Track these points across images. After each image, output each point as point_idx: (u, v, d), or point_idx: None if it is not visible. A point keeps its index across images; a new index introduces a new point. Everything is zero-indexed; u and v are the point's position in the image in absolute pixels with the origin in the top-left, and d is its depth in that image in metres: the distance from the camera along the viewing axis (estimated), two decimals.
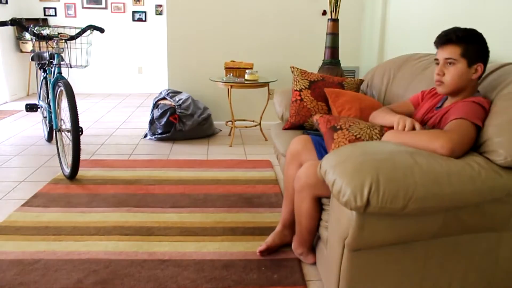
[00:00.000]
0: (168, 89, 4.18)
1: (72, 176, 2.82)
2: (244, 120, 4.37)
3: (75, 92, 2.78)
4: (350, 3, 4.27)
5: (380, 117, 1.84)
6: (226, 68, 3.90)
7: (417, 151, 1.41)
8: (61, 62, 2.97)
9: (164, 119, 3.82)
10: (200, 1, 4.21)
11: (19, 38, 6.01)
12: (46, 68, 3.14)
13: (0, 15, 5.55)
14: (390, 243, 1.42)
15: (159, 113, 3.85)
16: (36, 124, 4.43)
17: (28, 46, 5.96)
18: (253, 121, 4.31)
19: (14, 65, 5.96)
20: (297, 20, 4.33)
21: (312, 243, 1.87)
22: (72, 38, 2.93)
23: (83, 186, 2.75)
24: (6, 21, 2.66)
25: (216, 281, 1.75)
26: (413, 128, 1.59)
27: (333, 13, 3.73)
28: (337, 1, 3.69)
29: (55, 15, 6.38)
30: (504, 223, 1.48)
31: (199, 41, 4.30)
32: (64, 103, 2.83)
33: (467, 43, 1.57)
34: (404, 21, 3.37)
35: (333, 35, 3.77)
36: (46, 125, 3.69)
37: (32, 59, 3.49)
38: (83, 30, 2.97)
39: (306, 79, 2.55)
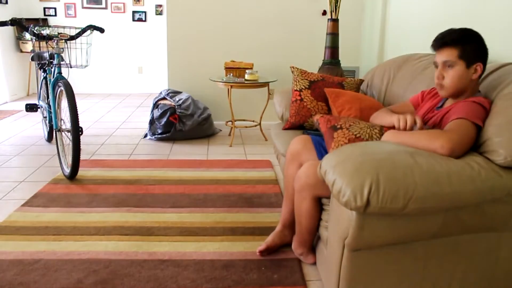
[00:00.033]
0: (168, 89, 4.18)
1: (72, 176, 2.82)
2: (244, 120, 4.37)
3: (75, 92, 2.78)
4: (350, 3, 4.27)
5: (380, 117, 1.84)
6: (226, 68, 3.90)
7: (417, 151, 1.41)
8: (61, 62, 2.98)
9: (164, 119, 3.82)
10: (200, 1, 4.21)
11: (19, 38, 6.01)
12: (46, 68, 3.14)
13: (0, 15, 5.55)
14: (390, 243, 1.42)
15: (159, 113, 3.85)
16: (36, 124, 4.43)
17: (28, 46, 5.97)
18: (253, 121, 4.31)
19: (14, 65, 5.96)
20: (297, 20, 4.33)
21: (312, 243, 1.87)
22: (72, 38, 2.93)
23: (83, 186, 2.75)
24: (6, 21, 2.66)
25: (216, 281, 1.75)
26: (415, 123, 1.59)
27: (333, 13, 3.73)
28: (337, 1, 3.69)
29: (55, 15, 6.38)
30: (504, 223, 1.48)
31: (199, 41, 4.30)
32: (64, 103, 2.83)
33: (464, 44, 1.57)
34: (404, 21, 3.37)
35: (333, 35, 3.77)
36: (46, 125, 3.69)
37: (32, 59, 3.49)
38: (83, 30, 2.97)
39: (306, 79, 2.55)
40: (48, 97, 3.19)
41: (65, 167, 2.90)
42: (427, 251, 1.47)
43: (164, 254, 1.95)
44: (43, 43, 3.06)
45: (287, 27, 4.34)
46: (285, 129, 2.55)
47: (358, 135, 1.71)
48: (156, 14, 6.56)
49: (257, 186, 2.80)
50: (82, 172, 2.94)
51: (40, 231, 2.15)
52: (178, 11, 4.21)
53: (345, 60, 4.16)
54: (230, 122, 4.01)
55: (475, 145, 1.50)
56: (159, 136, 3.88)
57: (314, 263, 1.87)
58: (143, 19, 6.55)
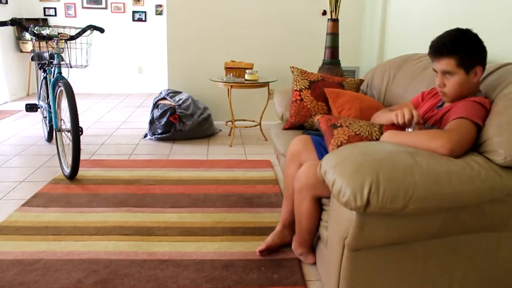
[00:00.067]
0: (168, 89, 4.18)
1: (72, 176, 2.82)
2: (244, 120, 4.37)
3: (75, 92, 2.78)
4: (350, 3, 4.27)
5: (380, 117, 1.84)
6: (226, 68, 3.90)
7: (417, 151, 1.41)
8: (61, 62, 2.98)
9: (164, 119, 3.82)
10: (200, 1, 4.21)
11: (19, 38, 6.01)
12: (46, 68, 3.14)
13: (0, 15, 5.55)
14: (390, 243, 1.42)
15: (159, 113, 3.85)
16: (36, 124, 4.43)
17: (28, 46, 5.97)
18: (253, 121, 4.31)
19: (14, 65, 5.96)
20: (297, 20, 4.33)
21: (312, 243, 1.87)
22: (72, 38, 2.93)
23: (83, 186, 2.75)
24: (6, 21, 2.66)
25: (216, 281, 1.75)
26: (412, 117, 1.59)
27: (333, 13, 3.73)
28: (337, 1, 3.69)
29: (55, 15, 6.38)
30: (504, 223, 1.48)
31: (199, 41, 4.30)
32: (64, 103, 2.83)
33: (460, 52, 1.54)
34: (404, 21, 3.37)
35: (333, 35, 3.77)
36: (46, 125, 3.69)
37: (32, 59, 3.49)
38: (83, 30, 2.97)
39: (306, 79, 2.55)
40: (48, 97, 3.19)
41: (65, 167, 2.90)
42: (427, 251, 1.47)
43: (164, 254, 1.95)
44: (43, 43, 3.06)
45: (287, 27, 4.34)
46: (285, 129, 2.55)
47: (358, 132, 1.72)
48: (156, 14, 6.56)
49: (257, 186, 2.80)
50: (82, 172, 2.94)
51: (40, 231, 2.15)
52: (178, 11, 4.21)
53: (345, 60, 4.16)
54: (230, 122, 4.01)
55: (475, 145, 1.50)
56: (159, 136, 3.88)
57: (314, 263, 1.87)
58: (143, 19, 6.55)
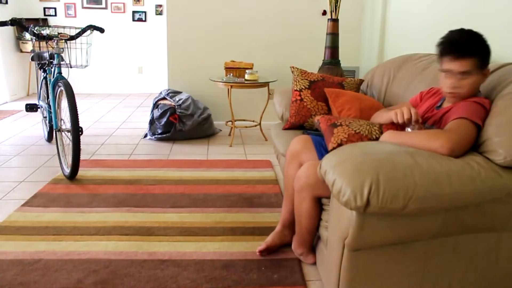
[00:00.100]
0: (168, 89, 4.18)
1: (72, 176, 2.82)
2: (244, 120, 4.37)
3: (75, 92, 2.78)
4: (350, 3, 4.27)
5: (379, 117, 1.84)
6: (226, 68, 3.90)
7: (417, 151, 1.41)
8: (61, 62, 2.98)
9: (164, 119, 3.82)
10: (200, 1, 4.21)
11: (19, 38, 6.01)
12: (46, 68, 3.14)
13: (0, 15, 5.55)
14: (390, 243, 1.42)
15: (159, 113, 3.85)
16: (36, 124, 4.43)
17: (28, 46, 5.97)
18: (253, 121, 4.31)
19: (14, 65, 5.96)
20: (297, 20, 4.33)
21: (312, 243, 1.87)
22: (72, 38, 2.93)
23: (83, 186, 2.75)
24: (6, 21, 2.66)
25: (216, 281, 1.75)
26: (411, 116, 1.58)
27: (333, 13, 3.73)
28: (337, 1, 3.69)
29: (55, 15, 6.38)
30: (504, 223, 1.48)
31: (199, 41, 4.30)
32: (64, 103, 2.83)
33: (481, 52, 1.54)
34: (404, 21, 3.37)
35: (333, 35, 3.77)
36: (46, 125, 3.69)
37: (32, 59, 3.49)
38: (83, 30, 2.97)
39: (306, 79, 2.55)
40: (48, 97, 3.19)
41: (65, 167, 2.90)
42: (427, 251, 1.47)
43: (164, 254, 1.95)
44: (43, 43, 3.06)
45: (287, 27, 4.34)
46: (285, 129, 2.55)
47: (357, 131, 1.72)
48: (156, 14, 6.56)
49: (257, 186, 2.80)
50: (82, 172, 2.94)
51: (40, 231, 2.15)
52: (178, 11, 4.21)
53: (345, 60, 4.16)
54: (230, 122, 4.01)
55: (475, 145, 1.50)
56: (159, 136, 3.88)
57: (314, 263, 1.87)
58: (143, 19, 6.55)
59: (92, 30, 3.01)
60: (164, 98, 4.03)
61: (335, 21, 3.74)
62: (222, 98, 4.31)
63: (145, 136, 4.00)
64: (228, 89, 3.80)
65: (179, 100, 3.89)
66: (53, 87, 2.97)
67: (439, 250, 1.48)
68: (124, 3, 6.46)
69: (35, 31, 2.84)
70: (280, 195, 2.64)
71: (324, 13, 4.31)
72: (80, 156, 2.77)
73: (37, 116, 4.55)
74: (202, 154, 3.52)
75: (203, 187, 2.76)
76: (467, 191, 1.33)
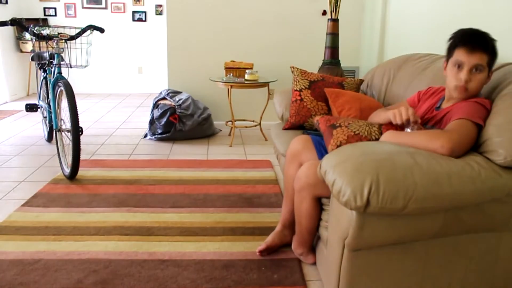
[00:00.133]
0: (168, 89, 4.18)
1: (72, 176, 2.82)
2: (244, 120, 4.37)
3: (75, 92, 2.78)
4: (350, 3, 4.27)
5: (377, 116, 1.84)
6: (226, 68, 3.90)
7: (417, 151, 1.41)
8: (61, 62, 2.98)
9: (164, 119, 3.82)
10: (200, 1, 4.21)
11: (19, 38, 6.01)
12: (46, 68, 3.14)
13: (0, 15, 5.55)
14: (390, 243, 1.42)
15: (159, 113, 3.85)
16: (36, 124, 4.43)
17: (28, 46, 5.96)
18: (253, 121, 4.31)
19: (14, 65, 5.96)
20: (297, 20, 4.33)
21: (312, 243, 1.87)
22: (72, 38, 2.93)
23: (83, 186, 2.75)
24: (6, 21, 2.66)
25: (216, 281, 1.75)
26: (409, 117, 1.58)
27: (333, 13, 3.73)
28: (337, 1, 3.69)
29: (55, 15, 6.38)
30: (504, 223, 1.48)
31: (199, 41, 4.30)
32: (64, 103, 2.83)
33: (494, 54, 1.56)
34: (404, 21, 3.37)
35: (333, 35, 3.77)
36: (46, 125, 3.69)
37: (32, 59, 3.49)
38: (83, 30, 2.97)
39: (306, 79, 2.55)
40: (48, 97, 3.19)
41: (65, 167, 2.90)
42: (427, 251, 1.47)
43: (164, 254, 1.95)
44: (43, 43, 3.06)
45: (287, 27, 4.34)
46: (285, 129, 2.55)
47: (357, 132, 1.72)
48: (156, 14, 6.56)
49: (257, 186, 2.80)
50: (82, 172, 2.94)
51: (40, 231, 2.15)
52: (178, 11, 4.21)
53: (345, 60, 4.16)
54: (230, 122, 4.01)
55: (475, 145, 1.50)
56: (159, 136, 3.88)
57: (314, 263, 1.87)
58: (143, 19, 6.55)
59: (92, 30, 3.01)
60: (164, 98, 4.03)
61: (335, 21, 3.74)
62: (222, 98, 4.31)
63: (145, 136, 4.00)
64: (228, 89, 3.80)
65: (179, 100, 3.89)
66: (53, 87, 2.97)
67: (439, 250, 1.48)
68: (124, 3, 6.46)
69: (35, 31, 2.84)
70: (280, 195, 2.64)
71: (324, 13, 4.31)
72: (80, 156, 2.77)
73: (37, 116, 4.55)
74: (202, 154, 3.52)
75: (203, 187, 2.76)
76: (467, 192, 1.33)
